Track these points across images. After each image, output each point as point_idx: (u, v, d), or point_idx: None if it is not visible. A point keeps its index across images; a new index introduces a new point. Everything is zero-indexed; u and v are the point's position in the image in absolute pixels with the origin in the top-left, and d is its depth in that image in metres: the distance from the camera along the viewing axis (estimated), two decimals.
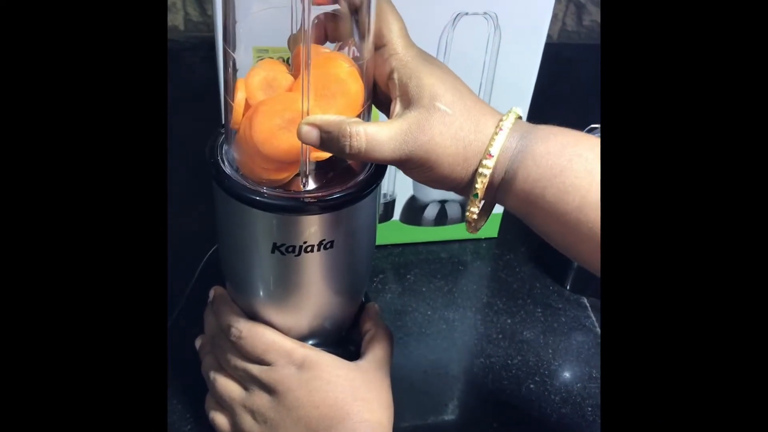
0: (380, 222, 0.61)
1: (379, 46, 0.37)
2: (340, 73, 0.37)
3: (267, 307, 0.42)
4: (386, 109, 0.38)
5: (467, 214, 0.36)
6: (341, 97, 0.37)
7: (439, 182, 0.36)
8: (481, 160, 0.34)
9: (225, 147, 0.40)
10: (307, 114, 0.35)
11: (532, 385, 0.52)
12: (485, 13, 0.49)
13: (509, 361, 0.54)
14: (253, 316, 0.43)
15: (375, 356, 0.43)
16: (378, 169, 0.40)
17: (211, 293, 0.44)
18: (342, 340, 0.46)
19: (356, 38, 0.38)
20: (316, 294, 0.42)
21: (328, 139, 0.35)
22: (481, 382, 0.52)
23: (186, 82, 0.82)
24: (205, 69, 0.82)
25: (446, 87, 0.35)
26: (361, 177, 0.39)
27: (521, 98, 0.55)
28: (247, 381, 0.41)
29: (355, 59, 0.38)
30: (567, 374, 0.53)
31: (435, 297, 0.58)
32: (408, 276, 0.60)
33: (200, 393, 0.45)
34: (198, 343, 0.46)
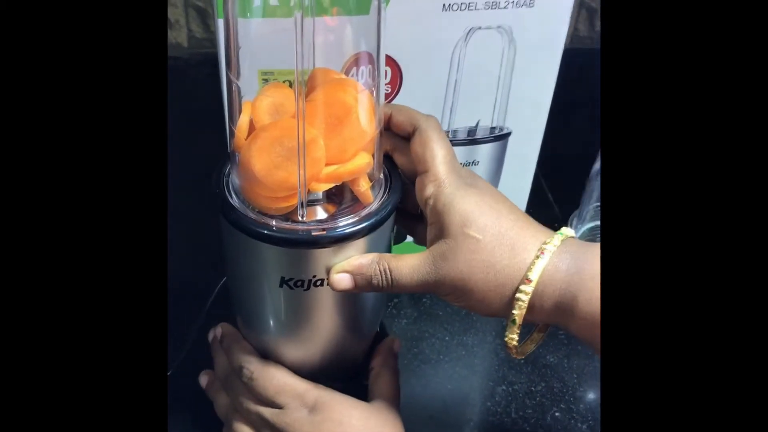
0: (394, 244, 0.58)
1: (422, 171, 0.37)
2: (347, 100, 0.35)
3: (278, 342, 0.40)
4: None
5: (506, 339, 0.34)
6: (348, 127, 0.35)
7: (475, 308, 0.35)
8: (518, 286, 0.33)
9: (231, 176, 0.38)
10: (304, 145, 0.34)
11: (557, 413, 0.50)
12: (499, 27, 0.46)
13: (533, 388, 0.51)
14: (264, 351, 0.41)
15: (385, 394, 0.41)
16: (392, 196, 0.38)
17: (219, 330, 0.43)
18: (356, 373, 0.44)
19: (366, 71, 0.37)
20: (327, 328, 0.40)
21: (361, 280, 0.36)
22: (504, 411, 0.50)
23: (191, 99, 0.80)
24: (210, 85, 0.81)
25: (481, 211, 0.34)
26: (373, 205, 0.37)
27: (538, 111, 0.52)
28: (260, 425, 0.40)
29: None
30: (594, 400, 0.51)
31: (452, 321, 0.56)
32: (423, 300, 0.57)
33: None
34: (203, 380, 0.44)
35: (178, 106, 0.79)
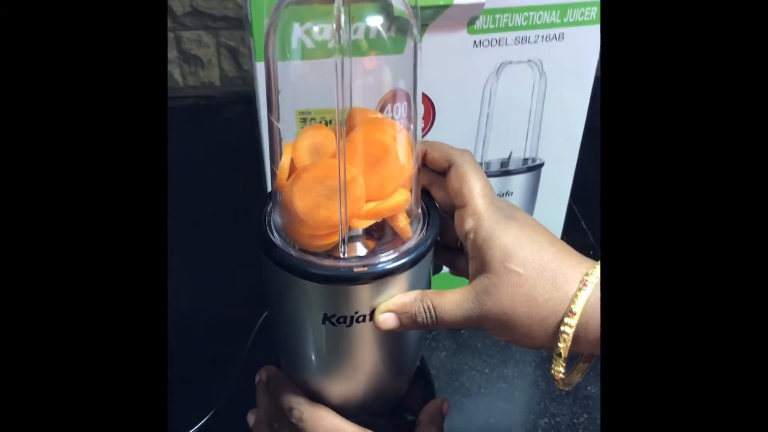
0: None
1: (460, 206, 0.37)
2: (385, 139, 0.35)
3: (320, 378, 0.41)
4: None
5: (552, 372, 0.35)
6: (386, 165, 0.35)
7: (520, 342, 0.35)
8: (562, 318, 0.33)
9: (272, 213, 0.39)
10: (345, 185, 0.34)
11: None
12: (529, 61, 0.47)
13: (575, 420, 0.51)
14: (307, 388, 0.41)
15: None
16: (430, 231, 0.38)
17: (264, 374, 0.43)
18: (399, 408, 0.44)
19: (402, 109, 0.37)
20: (370, 364, 0.40)
21: (405, 319, 0.36)
22: None
23: (226, 137, 0.82)
24: (244, 123, 0.83)
25: (521, 244, 0.34)
26: (413, 240, 0.38)
27: (570, 141, 0.53)
28: None
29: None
30: None
31: (491, 353, 0.55)
32: (462, 332, 0.57)
33: None
34: (251, 419, 0.44)
35: (212, 142, 0.81)
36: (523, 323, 0.34)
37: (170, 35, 0.84)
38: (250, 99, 0.76)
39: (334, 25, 0.31)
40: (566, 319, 0.33)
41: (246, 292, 0.57)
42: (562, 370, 0.34)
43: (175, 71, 0.87)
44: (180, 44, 0.85)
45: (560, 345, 0.33)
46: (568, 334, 0.33)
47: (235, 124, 0.84)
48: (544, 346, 0.34)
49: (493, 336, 0.36)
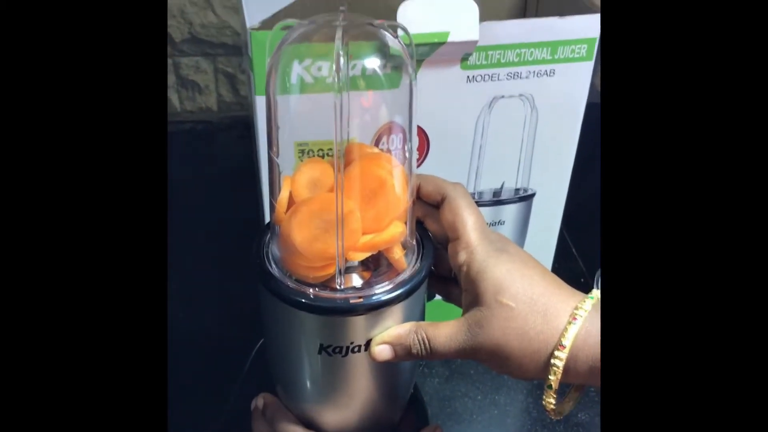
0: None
1: (454, 238, 0.38)
2: (382, 173, 0.36)
3: (316, 406, 0.41)
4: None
5: (543, 402, 0.35)
6: (382, 198, 0.36)
7: (511, 373, 0.36)
8: (552, 351, 0.34)
9: (270, 245, 0.39)
10: (343, 218, 0.35)
11: None
12: (521, 95, 0.48)
13: None
14: (304, 416, 0.42)
15: None
16: (425, 262, 0.39)
17: (260, 401, 0.44)
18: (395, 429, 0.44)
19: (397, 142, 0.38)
20: (365, 393, 0.41)
21: (400, 350, 0.37)
22: None
23: (221, 161, 0.83)
24: (241, 148, 0.84)
25: (513, 278, 0.35)
26: (407, 271, 0.39)
27: (561, 171, 0.54)
28: None
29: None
30: None
31: (483, 380, 0.56)
32: (454, 359, 0.58)
33: None
34: None
35: (208, 167, 0.82)
36: (515, 356, 0.35)
37: (169, 61, 0.86)
38: (247, 124, 0.77)
39: (334, 67, 0.32)
40: (556, 353, 0.34)
41: (242, 317, 0.58)
42: (552, 401, 0.35)
43: (173, 96, 0.88)
44: (178, 70, 0.87)
45: (551, 377, 0.34)
46: (558, 367, 0.34)
47: (231, 148, 0.85)
48: (535, 377, 0.35)
49: (486, 366, 0.37)
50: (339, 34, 0.33)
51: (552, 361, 0.34)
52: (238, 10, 0.83)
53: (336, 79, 0.33)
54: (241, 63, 0.87)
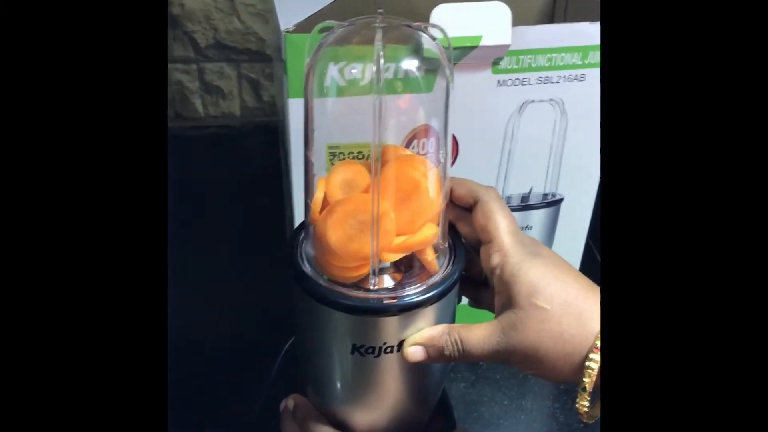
0: None
1: (486, 241, 0.38)
2: (416, 175, 0.37)
3: (346, 407, 0.41)
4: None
5: (577, 405, 0.35)
6: (416, 200, 0.37)
7: (545, 376, 0.36)
8: (587, 354, 0.34)
9: (303, 245, 0.40)
10: (378, 219, 0.35)
11: None
12: (551, 100, 0.49)
13: None
14: (334, 416, 0.42)
15: None
16: (457, 265, 0.39)
17: (291, 402, 0.44)
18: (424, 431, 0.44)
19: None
20: (396, 394, 0.41)
21: (433, 351, 0.37)
22: None
23: (245, 165, 0.84)
24: (264, 153, 0.84)
25: (547, 281, 0.36)
26: (439, 273, 0.39)
27: (589, 179, 0.54)
28: None
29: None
30: None
31: (510, 385, 0.56)
32: (480, 363, 0.58)
33: None
34: None
35: (232, 172, 0.83)
36: (548, 358, 0.35)
37: (193, 66, 0.87)
38: (270, 129, 0.77)
39: (374, 69, 0.33)
40: (591, 355, 0.34)
41: (273, 319, 0.58)
42: (586, 404, 0.35)
43: (197, 101, 0.89)
44: (203, 75, 0.88)
45: (585, 380, 0.34)
46: (593, 369, 0.34)
47: (254, 153, 0.86)
48: (568, 380, 0.35)
49: (517, 369, 0.37)
50: (379, 36, 0.33)
51: (587, 363, 0.34)
52: (262, 16, 0.84)
53: (376, 81, 0.33)
54: (265, 69, 0.88)
